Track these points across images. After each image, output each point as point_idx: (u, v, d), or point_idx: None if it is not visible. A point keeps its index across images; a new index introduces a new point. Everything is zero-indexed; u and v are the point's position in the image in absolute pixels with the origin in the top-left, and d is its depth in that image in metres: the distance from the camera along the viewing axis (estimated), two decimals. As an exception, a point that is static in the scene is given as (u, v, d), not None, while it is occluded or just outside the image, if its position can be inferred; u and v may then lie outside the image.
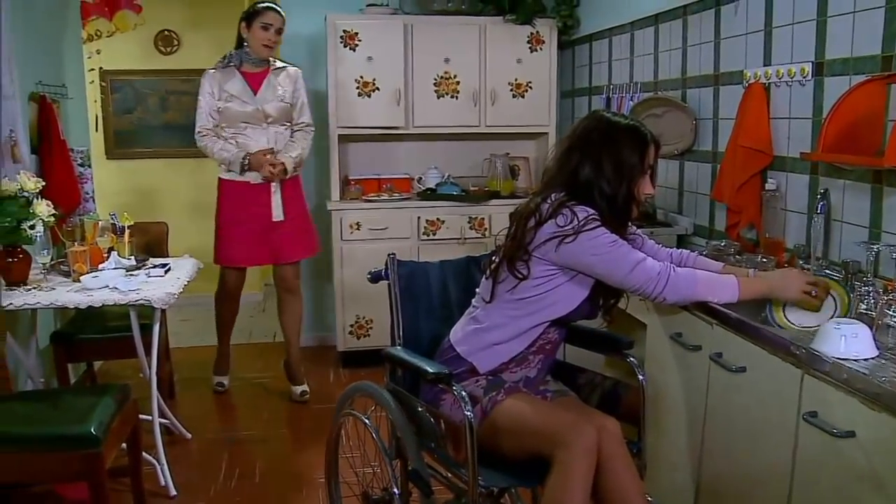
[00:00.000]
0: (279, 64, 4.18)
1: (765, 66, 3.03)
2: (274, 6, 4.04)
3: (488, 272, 2.37)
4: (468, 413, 2.08)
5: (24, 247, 3.13)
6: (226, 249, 4.20)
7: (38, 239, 3.12)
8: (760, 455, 2.15)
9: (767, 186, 2.98)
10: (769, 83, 2.99)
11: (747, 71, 3.12)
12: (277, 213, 4.14)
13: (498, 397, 2.23)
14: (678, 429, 2.59)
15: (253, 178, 4.08)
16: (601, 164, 2.25)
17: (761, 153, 3.00)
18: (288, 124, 4.18)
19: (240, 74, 4.07)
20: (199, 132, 4.11)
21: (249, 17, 4.02)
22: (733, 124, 3.16)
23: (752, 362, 2.18)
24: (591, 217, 2.19)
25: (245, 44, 4.06)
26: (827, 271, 2.46)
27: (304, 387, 4.34)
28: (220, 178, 4.22)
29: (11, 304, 2.94)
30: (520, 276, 2.26)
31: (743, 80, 3.14)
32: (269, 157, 4.03)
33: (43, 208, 3.07)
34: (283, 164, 4.04)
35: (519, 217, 2.31)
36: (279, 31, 4.05)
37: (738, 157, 3.08)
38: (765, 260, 2.71)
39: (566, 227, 2.18)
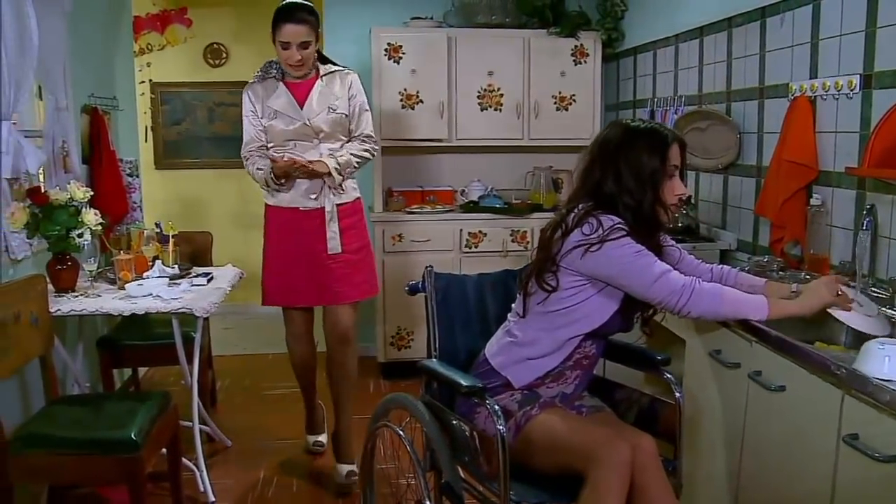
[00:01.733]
0: (330, 68, 3.50)
1: (811, 78, 2.98)
2: (294, 15, 3.28)
3: (522, 286, 2.36)
4: (501, 427, 2.06)
5: (73, 254, 3.20)
6: (272, 287, 3.53)
7: (85, 247, 3.19)
8: (799, 477, 2.10)
9: (812, 202, 2.93)
10: (815, 96, 2.94)
11: (793, 84, 3.07)
12: (334, 245, 3.43)
13: (532, 412, 2.22)
14: (715, 448, 2.54)
15: (301, 202, 3.41)
16: (621, 173, 2.23)
17: (806, 168, 2.95)
18: (344, 139, 3.49)
19: (283, 86, 3.41)
20: (245, 157, 3.49)
21: (272, 31, 3.34)
22: (778, 138, 3.11)
23: (791, 381, 2.13)
24: (616, 226, 2.17)
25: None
26: (873, 289, 2.40)
27: (353, 466, 3.43)
28: (266, 205, 3.55)
29: (59, 310, 3.01)
30: (548, 287, 2.25)
31: (788, 93, 3.09)
32: (289, 159, 3.34)
33: (91, 217, 3.14)
34: (307, 160, 3.33)
35: (546, 229, 2.31)
36: (304, 46, 3.30)
37: (782, 172, 3.02)
38: (808, 277, 2.66)
39: (591, 236, 2.17)
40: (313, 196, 3.40)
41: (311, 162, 3.33)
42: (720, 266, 2.54)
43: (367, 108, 3.55)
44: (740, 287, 2.36)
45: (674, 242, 2.45)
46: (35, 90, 3.55)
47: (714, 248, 3.58)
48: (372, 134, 3.56)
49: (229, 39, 6.57)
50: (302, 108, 3.39)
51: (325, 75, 3.47)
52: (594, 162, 2.31)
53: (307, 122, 3.39)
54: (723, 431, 2.51)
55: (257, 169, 3.41)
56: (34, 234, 3.13)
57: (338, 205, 3.45)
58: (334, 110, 3.42)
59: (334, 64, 3.54)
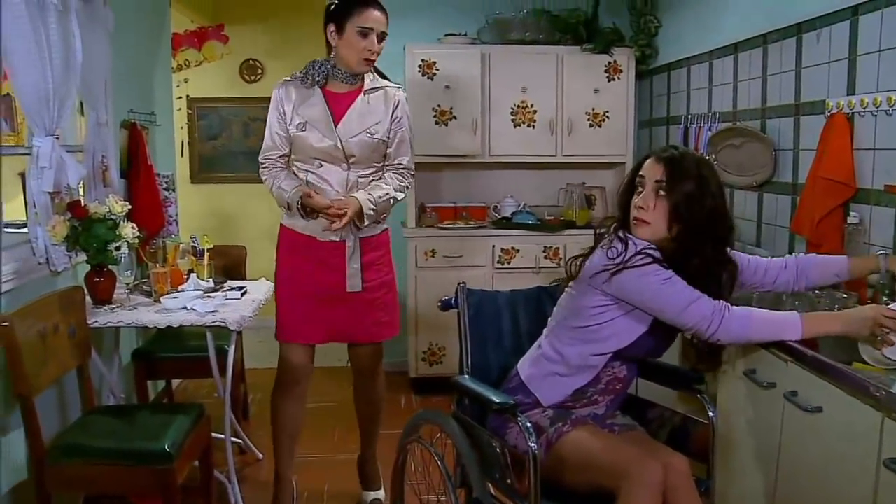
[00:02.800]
0: (378, 81, 3.09)
1: (848, 95, 2.94)
2: (376, 1, 2.94)
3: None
4: (532, 444, 2.06)
5: (110, 267, 3.26)
6: (285, 319, 3.16)
7: (122, 260, 3.24)
8: (837, 501, 2.06)
9: (850, 219, 2.88)
10: (853, 113, 2.90)
11: (829, 100, 3.04)
12: (353, 283, 3.07)
13: (564, 428, 2.21)
14: (749, 468, 2.51)
15: (319, 233, 3.03)
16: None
17: (843, 185, 2.91)
18: (377, 166, 3.09)
19: (321, 94, 3.00)
20: (262, 162, 3.10)
21: (339, 16, 2.90)
22: (814, 155, 3.08)
23: (828, 403, 2.09)
24: (642, 251, 2.16)
25: (333, 53, 3.00)
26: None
27: (380, 493, 3.40)
28: (281, 226, 3.19)
29: (97, 321, 3.06)
30: (569, 307, 2.29)
31: (825, 109, 3.06)
32: (334, 201, 2.92)
33: (128, 230, 3.19)
34: (345, 206, 2.89)
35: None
36: (382, 38, 2.94)
37: (818, 189, 2.99)
38: (845, 296, 2.62)
39: (616, 260, 2.16)
40: (324, 228, 3.00)
41: (344, 211, 2.87)
42: (794, 256, 2.50)
43: (411, 134, 3.14)
44: (822, 269, 2.40)
45: (735, 252, 2.40)
46: (77, 106, 3.61)
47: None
48: (411, 167, 3.15)
49: (265, 55, 6.66)
50: (337, 126, 2.98)
51: (370, 90, 3.04)
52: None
53: (339, 144, 2.97)
54: (757, 452, 2.48)
55: (280, 188, 2.99)
56: (73, 247, 3.18)
57: (362, 238, 3.08)
58: (372, 135, 3.00)
59: (384, 77, 3.13)
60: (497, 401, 2.16)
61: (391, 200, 3.05)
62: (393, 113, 3.06)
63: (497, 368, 2.57)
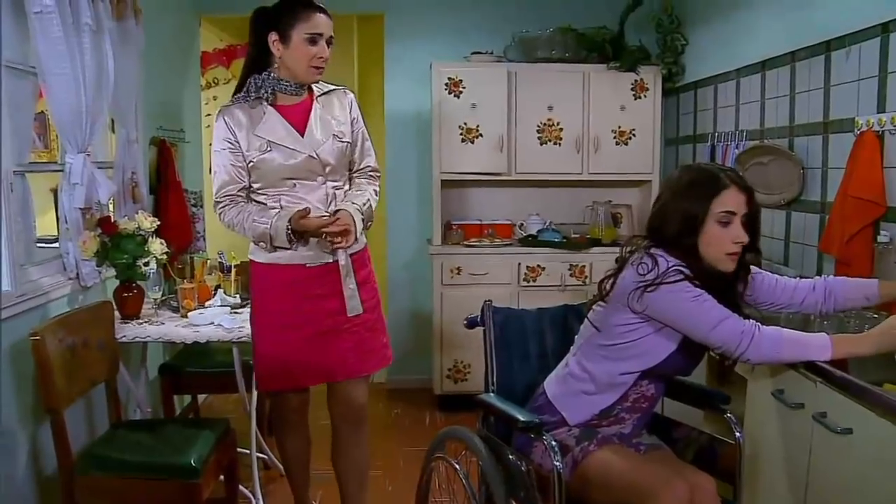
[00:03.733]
0: (325, 86, 2.86)
1: (878, 113, 2.92)
2: (320, 3, 2.70)
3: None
4: (557, 463, 2.05)
5: (139, 282, 3.30)
6: (270, 368, 2.85)
7: (151, 275, 3.28)
8: (868, 523, 2.03)
9: (880, 238, 2.85)
10: (883, 131, 2.88)
11: (859, 118, 3.01)
12: (354, 305, 2.81)
13: (590, 447, 2.19)
14: (777, 490, 2.47)
15: (310, 257, 2.75)
16: (670, 217, 2.19)
17: (873, 204, 2.88)
18: (346, 175, 2.88)
19: (274, 111, 2.74)
20: (219, 201, 2.76)
21: (282, 23, 2.65)
22: (843, 173, 3.05)
23: (858, 424, 2.06)
24: (673, 268, 2.13)
25: (275, 65, 2.72)
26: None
27: None
28: (253, 262, 2.85)
29: (125, 336, 3.10)
30: (595, 326, 2.26)
31: (854, 127, 3.03)
32: (324, 218, 2.66)
33: (157, 246, 3.24)
34: (346, 222, 2.66)
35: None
36: (330, 42, 2.71)
37: (847, 208, 2.96)
38: (876, 316, 2.58)
39: (647, 276, 2.13)
40: (325, 248, 2.75)
41: (346, 226, 2.65)
42: (823, 278, 2.42)
43: (368, 134, 2.94)
44: (851, 292, 2.33)
45: (764, 271, 2.39)
46: (108, 124, 3.67)
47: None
48: (378, 168, 2.96)
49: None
50: (303, 136, 2.73)
51: (321, 95, 2.82)
52: (656, 203, 2.29)
53: (314, 155, 2.72)
54: (785, 473, 2.45)
55: (255, 221, 2.67)
56: (103, 262, 3.23)
57: (351, 255, 2.83)
58: (340, 138, 2.79)
59: (325, 81, 2.87)
60: (522, 419, 2.15)
61: (372, 206, 2.84)
62: (350, 114, 2.86)
63: (522, 386, 2.56)
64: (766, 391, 2.53)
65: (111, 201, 3.57)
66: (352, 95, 2.91)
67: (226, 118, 2.72)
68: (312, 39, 2.64)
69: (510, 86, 4.79)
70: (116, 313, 3.19)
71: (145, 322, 3.26)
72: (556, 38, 4.85)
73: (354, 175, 2.91)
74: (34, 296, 2.90)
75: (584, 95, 4.84)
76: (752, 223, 2.19)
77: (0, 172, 2.72)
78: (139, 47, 3.67)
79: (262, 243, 2.72)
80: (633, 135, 4.87)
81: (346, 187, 2.85)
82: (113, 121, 3.68)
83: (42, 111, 3.95)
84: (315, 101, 2.80)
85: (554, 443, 2.10)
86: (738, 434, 2.25)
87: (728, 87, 4.26)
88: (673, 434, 2.45)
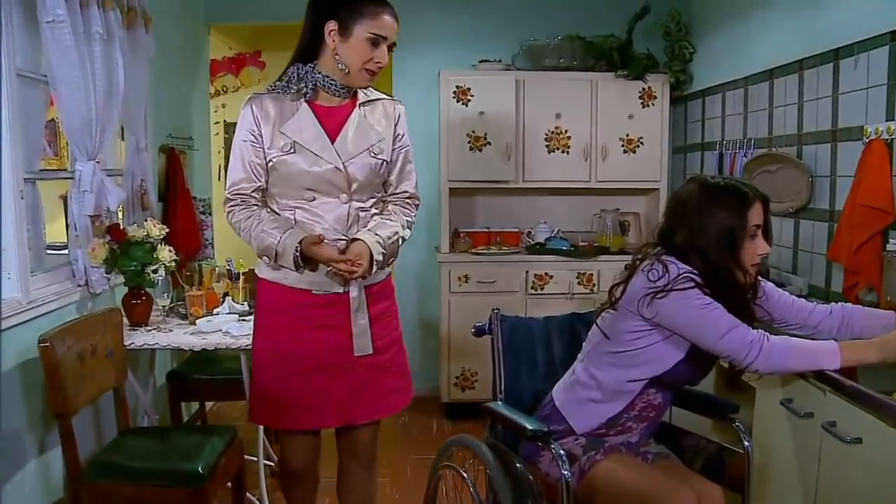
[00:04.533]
0: (373, 93, 2.54)
1: (887, 121, 2.91)
2: (390, 5, 2.40)
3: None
4: (565, 472, 2.05)
5: (147, 290, 3.30)
6: (265, 399, 2.53)
7: (159, 282, 3.28)
8: (877, 533, 2.02)
9: (889, 247, 2.84)
10: (892, 139, 2.87)
11: (868, 127, 3.01)
12: (363, 343, 2.47)
13: (597, 457, 2.19)
14: (786, 500, 2.46)
15: (317, 284, 2.43)
16: (696, 233, 2.16)
17: (882, 212, 2.87)
18: (377, 196, 2.54)
19: (308, 109, 2.43)
20: (230, 199, 2.48)
21: (345, 13, 2.33)
22: (852, 182, 3.05)
23: (868, 434, 2.06)
24: (684, 274, 2.12)
25: (323, 57, 2.41)
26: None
27: None
28: (259, 280, 2.56)
29: (133, 343, 3.11)
30: (604, 333, 2.25)
31: (863, 136, 3.03)
32: (337, 246, 2.38)
33: (165, 254, 3.24)
34: (360, 259, 2.33)
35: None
36: (392, 48, 2.41)
37: (856, 216, 2.95)
38: (885, 325, 2.57)
39: (657, 283, 2.13)
40: (333, 279, 2.43)
41: (347, 258, 2.33)
42: (840, 305, 2.39)
43: (412, 156, 2.61)
44: (868, 321, 2.29)
45: (781, 290, 2.40)
46: (118, 131, 3.69)
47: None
48: (418, 196, 2.64)
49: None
50: (333, 144, 2.42)
51: (365, 103, 2.50)
52: (668, 220, 2.27)
53: (340, 167, 2.40)
54: (794, 483, 2.44)
55: (264, 231, 2.38)
56: (112, 270, 3.24)
57: (366, 286, 2.50)
58: (376, 154, 2.46)
59: (375, 88, 2.56)
60: (530, 427, 2.15)
61: (399, 240, 2.49)
62: (396, 128, 2.53)
63: (530, 394, 2.56)
64: (774, 400, 2.52)
65: (120, 208, 3.58)
66: (402, 108, 2.57)
67: (253, 107, 2.44)
68: (375, 40, 2.33)
69: (518, 94, 4.80)
70: (125, 320, 3.19)
71: (153, 329, 3.27)
72: (564, 46, 4.86)
73: (390, 199, 2.58)
74: (43, 303, 2.91)
75: (591, 103, 4.84)
76: (768, 234, 2.24)
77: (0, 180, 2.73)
78: (149, 56, 3.69)
79: (265, 257, 2.44)
80: (641, 143, 4.87)
81: (374, 211, 2.52)
82: (122, 128, 3.70)
83: (52, 119, 3.98)
84: (357, 108, 2.48)
85: (562, 451, 2.10)
86: (746, 443, 2.24)
87: (736, 94, 4.26)
88: (681, 443, 2.45)
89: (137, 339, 3.14)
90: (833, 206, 3.33)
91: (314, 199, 2.42)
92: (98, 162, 3.17)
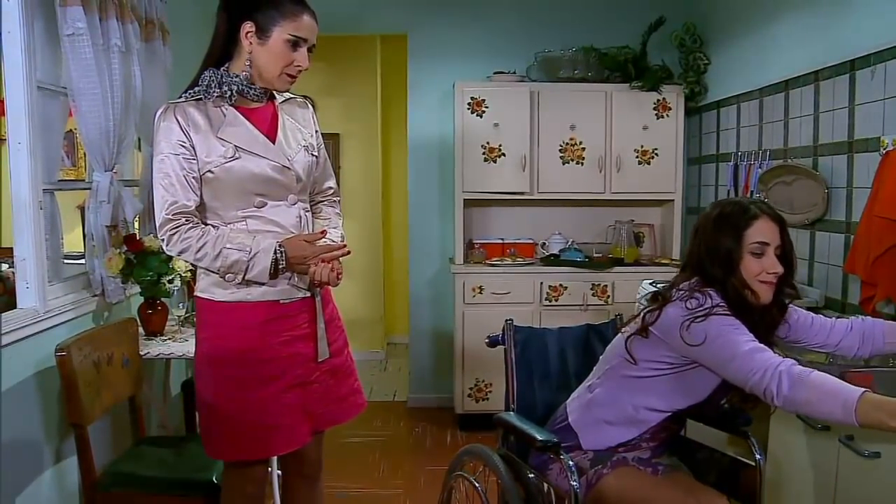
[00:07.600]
0: (286, 94, 2.42)
1: (904, 133, 2.91)
2: (309, 6, 2.28)
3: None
4: (574, 483, 2.04)
5: (162, 299, 3.33)
6: (229, 432, 2.30)
7: (175, 292, 3.30)
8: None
9: (906, 259, 2.83)
10: (909, 151, 2.86)
11: (885, 138, 2.99)
12: (323, 347, 2.37)
13: (604, 471, 2.19)
14: (804, 514, 2.45)
15: (287, 292, 2.29)
16: (702, 253, 2.15)
17: (900, 224, 2.86)
18: (308, 196, 2.46)
19: (238, 114, 2.27)
20: (166, 224, 2.18)
21: (262, 14, 2.20)
22: (869, 193, 3.03)
23: (887, 448, 2.04)
24: (719, 305, 2.07)
25: (247, 62, 2.25)
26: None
27: None
28: (207, 303, 2.29)
29: (149, 352, 3.13)
30: (630, 359, 2.21)
31: (880, 147, 3.01)
32: (320, 244, 2.30)
33: (181, 264, 3.26)
34: (339, 256, 2.28)
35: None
36: (312, 50, 2.28)
37: (874, 228, 2.93)
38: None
39: (696, 310, 2.06)
40: (301, 284, 2.32)
41: (343, 246, 2.32)
42: (860, 319, 2.31)
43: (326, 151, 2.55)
44: (891, 336, 2.20)
45: (799, 309, 2.33)
46: (135, 142, 3.72)
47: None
48: (336, 187, 2.60)
49: (315, 93, 6.70)
50: (274, 145, 2.29)
51: (283, 102, 2.40)
52: (692, 242, 2.25)
53: (288, 165, 2.29)
54: (810, 497, 2.42)
55: (228, 249, 2.16)
56: (128, 280, 3.26)
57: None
58: (310, 152, 2.39)
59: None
60: (540, 438, 2.14)
61: (342, 229, 2.53)
62: (314, 125, 2.48)
63: (542, 406, 2.56)
64: (790, 413, 2.50)
65: (137, 219, 3.61)
66: (311, 107, 2.51)
67: (178, 117, 2.21)
68: (296, 43, 2.21)
69: (532, 105, 4.81)
70: (140, 330, 3.22)
71: (169, 339, 3.29)
72: (579, 57, 4.87)
73: (318, 198, 2.53)
74: (60, 312, 2.94)
75: (606, 115, 4.84)
76: (786, 256, 2.15)
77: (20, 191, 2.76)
78: (166, 67, 3.72)
79: (229, 275, 2.20)
80: (656, 154, 4.86)
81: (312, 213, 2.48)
82: (140, 139, 3.73)
83: (71, 130, 4.01)
84: (279, 107, 2.38)
85: (571, 463, 2.09)
86: (758, 456, 2.23)
87: (751, 106, 4.25)
88: (695, 456, 2.43)
89: (153, 348, 3.16)
90: (849, 217, 3.31)
91: (264, 204, 2.26)
92: (115, 173, 3.20)
